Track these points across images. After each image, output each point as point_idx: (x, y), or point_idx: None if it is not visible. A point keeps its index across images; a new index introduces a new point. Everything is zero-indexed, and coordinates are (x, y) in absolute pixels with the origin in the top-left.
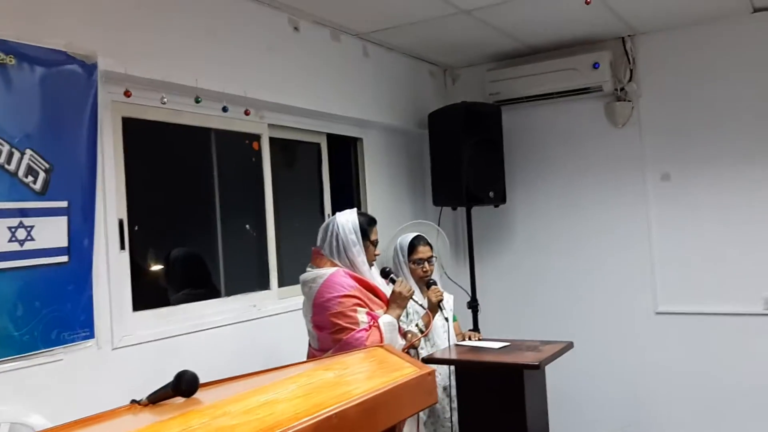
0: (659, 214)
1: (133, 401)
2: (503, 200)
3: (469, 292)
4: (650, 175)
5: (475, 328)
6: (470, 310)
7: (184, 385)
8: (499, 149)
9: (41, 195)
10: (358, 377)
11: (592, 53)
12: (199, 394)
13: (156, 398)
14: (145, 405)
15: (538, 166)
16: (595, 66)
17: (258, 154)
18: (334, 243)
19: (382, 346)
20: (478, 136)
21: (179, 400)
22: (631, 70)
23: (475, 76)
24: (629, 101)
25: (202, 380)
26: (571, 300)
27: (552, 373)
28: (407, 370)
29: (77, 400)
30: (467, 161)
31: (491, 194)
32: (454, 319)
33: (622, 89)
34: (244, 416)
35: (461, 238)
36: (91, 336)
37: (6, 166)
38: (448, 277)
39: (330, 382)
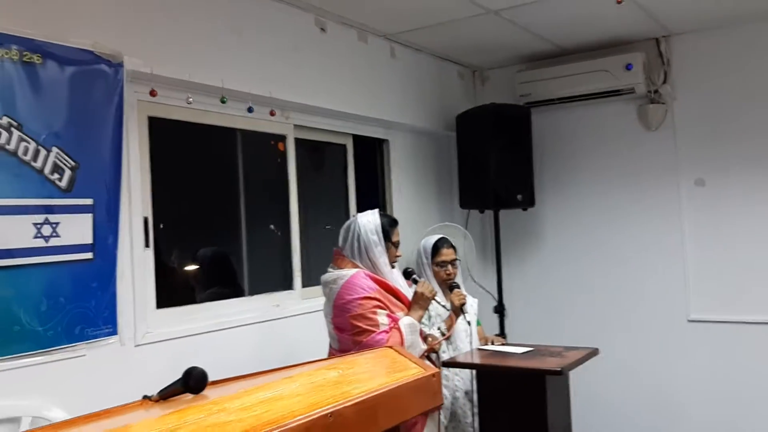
0: (693, 220)
1: (145, 397)
2: (532, 203)
3: (496, 297)
4: (684, 180)
5: (502, 333)
6: (497, 315)
7: (192, 381)
8: (528, 152)
9: (67, 192)
10: (362, 377)
11: (625, 54)
12: (208, 391)
13: (166, 394)
14: (156, 401)
15: (568, 170)
16: (628, 67)
17: (283, 154)
18: (356, 244)
19: (391, 347)
20: (507, 138)
21: (189, 396)
22: (666, 72)
23: (505, 78)
24: (663, 104)
25: (222, 378)
26: (601, 306)
27: (581, 379)
28: (412, 371)
29: (99, 396)
30: (495, 164)
31: (519, 197)
32: (478, 324)
33: (655, 91)
34: (241, 413)
35: (488, 242)
36: (114, 332)
37: (32, 163)
38: (474, 281)
39: (332, 381)
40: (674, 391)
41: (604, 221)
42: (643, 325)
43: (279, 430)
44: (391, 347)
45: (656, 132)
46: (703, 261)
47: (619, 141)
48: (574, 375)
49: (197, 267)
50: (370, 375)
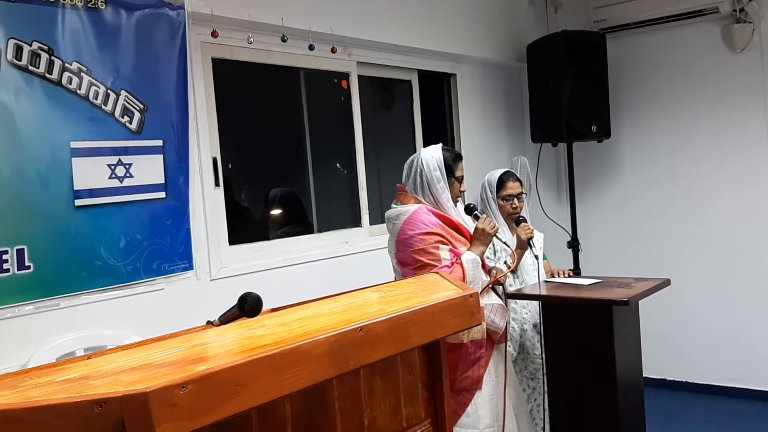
0: None
1: (208, 322)
2: (607, 135)
3: (570, 232)
4: None
5: (576, 268)
6: (570, 250)
7: (248, 306)
8: (603, 80)
9: (137, 134)
10: (399, 298)
11: None
12: (267, 315)
13: (226, 319)
14: (217, 325)
15: (646, 98)
16: None
17: (347, 92)
18: (419, 179)
19: (438, 273)
20: (581, 67)
21: (247, 320)
22: None
23: (579, 3)
24: (750, 23)
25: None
26: (682, 240)
27: (657, 317)
28: (448, 292)
29: (177, 326)
30: (568, 94)
31: (594, 129)
32: (544, 258)
33: (741, 10)
34: (277, 328)
35: (562, 176)
36: (190, 267)
37: (103, 106)
38: (547, 216)
39: (371, 301)
40: (760, 333)
41: (685, 150)
42: (727, 261)
43: (308, 341)
44: (438, 273)
45: (742, 54)
46: None
47: (701, 65)
48: (650, 312)
49: (269, 206)
50: (408, 296)
